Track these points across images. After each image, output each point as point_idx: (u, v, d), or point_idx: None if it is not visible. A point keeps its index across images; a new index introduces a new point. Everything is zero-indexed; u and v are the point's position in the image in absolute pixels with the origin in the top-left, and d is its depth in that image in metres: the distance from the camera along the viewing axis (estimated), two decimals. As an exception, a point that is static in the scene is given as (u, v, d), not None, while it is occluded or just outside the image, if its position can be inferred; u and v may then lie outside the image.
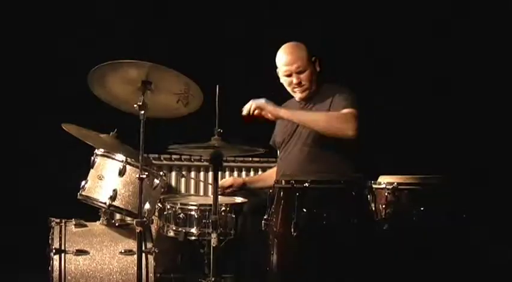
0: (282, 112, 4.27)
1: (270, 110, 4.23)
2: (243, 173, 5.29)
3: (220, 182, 4.70)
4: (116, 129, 4.28)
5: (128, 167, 4.16)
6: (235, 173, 5.28)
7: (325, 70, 4.57)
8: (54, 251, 4.04)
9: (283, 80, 4.53)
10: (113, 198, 4.11)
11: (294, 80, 4.46)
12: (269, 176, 4.75)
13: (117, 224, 4.34)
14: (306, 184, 3.55)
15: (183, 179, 5.20)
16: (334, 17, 5.96)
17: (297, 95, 4.53)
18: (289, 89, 4.54)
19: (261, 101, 4.25)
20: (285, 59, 4.47)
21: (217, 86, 3.86)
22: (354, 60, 5.88)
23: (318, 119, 4.24)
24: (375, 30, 5.99)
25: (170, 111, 4.11)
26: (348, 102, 4.27)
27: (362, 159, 4.38)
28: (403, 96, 5.91)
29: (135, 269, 3.84)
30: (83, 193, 4.19)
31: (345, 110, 4.22)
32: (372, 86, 5.74)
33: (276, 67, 4.55)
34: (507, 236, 5.33)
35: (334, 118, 4.20)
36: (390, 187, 3.94)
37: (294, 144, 4.50)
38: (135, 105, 3.79)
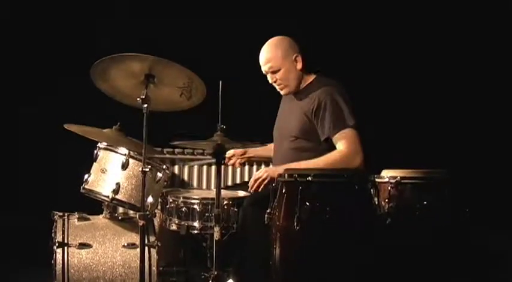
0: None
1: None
2: (246, 166, 5.28)
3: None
4: (118, 123, 4.27)
5: (130, 160, 4.16)
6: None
7: (316, 64, 4.53)
8: (57, 244, 4.04)
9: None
10: (115, 191, 4.11)
11: (269, 79, 4.47)
12: (271, 147, 4.73)
13: (120, 218, 4.34)
14: (309, 178, 3.55)
15: (186, 173, 5.20)
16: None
17: (281, 92, 4.53)
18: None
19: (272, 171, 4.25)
20: (260, 58, 4.47)
21: (220, 82, 3.86)
22: (358, 52, 5.87)
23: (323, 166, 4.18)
24: (381, 20, 5.98)
25: (173, 105, 4.11)
26: (340, 122, 4.22)
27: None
28: (406, 90, 5.91)
29: (138, 262, 3.84)
30: (86, 186, 4.19)
31: (342, 146, 4.17)
32: (375, 80, 5.75)
33: None
34: (508, 228, 5.35)
35: (338, 163, 4.14)
36: (393, 181, 3.94)
37: (283, 139, 4.51)
38: (138, 99, 3.79)
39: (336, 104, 4.27)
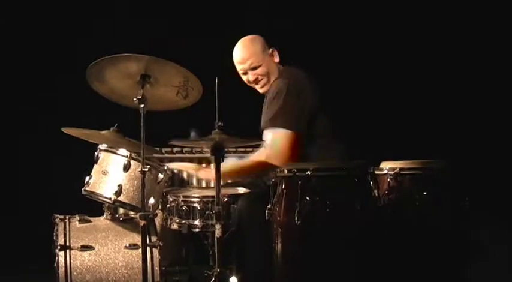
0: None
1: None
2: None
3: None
4: (116, 124, 4.27)
5: (132, 162, 4.15)
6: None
7: (290, 58, 4.52)
8: (59, 247, 4.04)
9: (243, 78, 4.49)
10: (118, 193, 4.10)
11: (250, 77, 4.43)
12: None
13: (121, 219, 4.34)
14: (308, 172, 3.55)
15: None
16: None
17: (259, 90, 4.49)
18: (250, 85, 4.50)
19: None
20: (237, 58, 4.44)
21: (216, 78, 3.87)
22: (355, 44, 5.88)
23: (244, 171, 4.29)
24: (380, 13, 5.99)
25: (170, 104, 4.12)
26: (275, 119, 4.18)
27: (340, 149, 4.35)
28: (404, 82, 5.92)
29: (140, 262, 3.85)
30: (87, 188, 4.18)
31: (268, 142, 4.18)
32: (373, 73, 5.75)
33: None
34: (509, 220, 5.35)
35: (258, 165, 4.20)
36: (392, 172, 3.93)
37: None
38: (134, 99, 3.79)
39: (278, 98, 4.23)
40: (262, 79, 4.43)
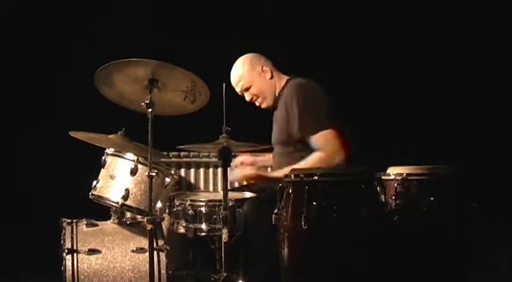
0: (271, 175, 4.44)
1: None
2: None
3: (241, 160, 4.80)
4: (123, 128, 4.28)
5: (139, 166, 4.16)
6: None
7: (290, 69, 4.60)
8: (66, 251, 4.05)
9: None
10: (125, 197, 4.11)
11: (246, 97, 4.58)
12: None
13: (128, 223, 4.35)
14: (315, 177, 3.56)
15: (192, 176, 5.21)
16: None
17: (262, 107, 4.62)
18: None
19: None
20: (231, 81, 4.58)
21: (224, 83, 3.88)
22: (360, 49, 5.88)
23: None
24: (382, 14, 5.99)
25: (177, 109, 4.12)
26: (316, 126, 4.28)
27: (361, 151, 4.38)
28: (410, 87, 5.91)
29: (147, 266, 3.85)
30: (95, 193, 4.19)
31: (320, 149, 4.26)
32: (379, 78, 5.75)
33: None
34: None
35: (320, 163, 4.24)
36: (399, 178, 3.93)
37: (275, 150, 4.61)
38: (142, 104, 3.80)
39: (304, 103, 4.33)
40: (257, 98, 4.58)
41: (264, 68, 4.53)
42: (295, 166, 4.16)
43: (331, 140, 4.26)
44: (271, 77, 4.55)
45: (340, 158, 4.22)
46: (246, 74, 4.53)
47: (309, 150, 4.32)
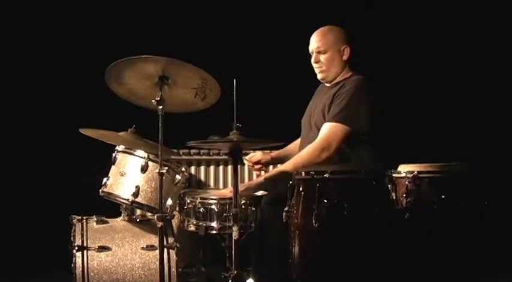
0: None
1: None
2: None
3: (248, 156, 4.75)
4: (134, 126, 4.28)
5: (150, 163, 4.16)
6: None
7: (359, 63, 4.58)
8: (76, 248, 4.05)
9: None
10: (135, 194, 4.11)
11: (313, 58, 4.56)
12: (294, 149, 4.74)
13: (138, 220, 4.35)
14: (326, 175, 3.54)
15: (202, 173, 5.21)
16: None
17: (318, 75, 4.59)
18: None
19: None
20: (312, 37, 4.58)
21: (234, 80, 3.87)
22: (372, 47, 5.86)
23: (297, 165, 4.23)
24: (397, 14, 5.97)
25: (188, 106, 4.12)
26: (339, 114, 4.30)
27: (378, 148, 4.37)
28: (421, 84, 5.89)
29: (157, 264, 3.85)
30: (105, 189, 4.19)
31: (317, 138, 4.30)
32: (389, 75, 5.73)
33: None
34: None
35: (307, 156, 4.26)
36: (410, 176, 3.92)
37: (306, 127, 4.59)
38: (153, 101, 3.79)
39: (352, 94, 4.35)
40: (321, 66, 4.54)
41: (346, 48, 4.51)
42: (295, 157, 4.29)
43: (334, 135, 4.27)
44: (347, 60, 4.53)
45: (326, 156, 4.23)
46: (327, 41, 4.51)
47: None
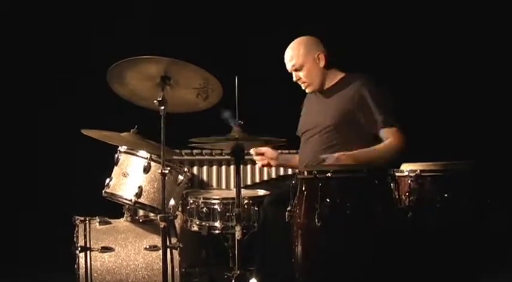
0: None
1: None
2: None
3: (255, 149, 4.68)
4: (136, 126, 4.28)
5: (152, 163, 4.16)
6: (257, 165, 5.21)
7: (340, 61, 4.54)
8: (79, 248, 4.05)
9: None
10: (138, 195, 4.11)
11: (294, 77, 4.50)
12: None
13: (141, 220, 4.35)
14: (329, 174, 3.54)
15: (205, 173, 5.21)
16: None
17: (306, 90, 4.54)
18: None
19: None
20: (285, 57, 4.52)
21: (236, 77, 3.86)
22: (375, 44, 5.86)
23: (373, 158, 4.20)
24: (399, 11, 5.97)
25: (190, 106, 4.12)
26: (388, 118, 4.27)
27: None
28: (423, 82, 5.89)
29: (160, 264, 3.85)
30: (108, 190, 4.20)
31: (389, 138, 4.26)
32: (392, 73, 5.72)
33: None
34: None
35: (387, 154, 4.21)
36: (413, 174, 3.91)
37: (312, 134, 4.50)
38: (155, 101, 3.79)
39: (382, 95, 4.33)
40: (304, 81, 4.49)
41: (320, 55, 4.46)
42: (369, 149, 4.20)
43: (400, 134, 4.26)
44: (325, 66, 4.48)
45: (402, 151, 4.22)
46: (300, 55, 4.45)
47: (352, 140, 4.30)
